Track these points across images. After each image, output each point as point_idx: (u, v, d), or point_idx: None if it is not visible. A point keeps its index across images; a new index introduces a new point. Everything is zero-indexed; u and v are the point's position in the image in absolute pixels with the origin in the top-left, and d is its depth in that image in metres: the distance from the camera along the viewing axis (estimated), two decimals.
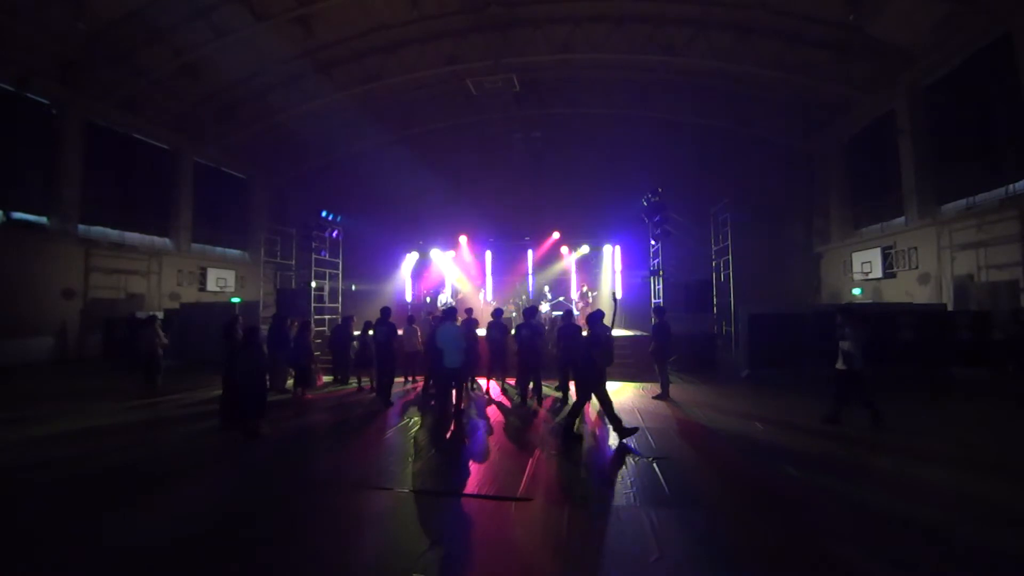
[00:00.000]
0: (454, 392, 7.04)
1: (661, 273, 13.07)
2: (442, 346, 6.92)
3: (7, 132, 13.25)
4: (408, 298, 17.36)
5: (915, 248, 14.31)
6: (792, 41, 14.66)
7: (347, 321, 10.86)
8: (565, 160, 19.39)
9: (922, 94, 14.26)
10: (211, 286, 18.56)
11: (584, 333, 9.04)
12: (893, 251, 15.09)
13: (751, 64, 15.33)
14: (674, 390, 9.11)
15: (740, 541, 3.60)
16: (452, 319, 7.33)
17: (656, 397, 8.72)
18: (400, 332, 9.34)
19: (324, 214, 14.28)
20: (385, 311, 9.01)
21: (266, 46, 14.43)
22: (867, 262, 15.98)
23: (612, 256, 17.20)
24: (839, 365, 6.78)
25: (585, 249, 17.18)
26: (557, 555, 3.42)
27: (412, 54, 16.07)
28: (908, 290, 14.40)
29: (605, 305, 15.28)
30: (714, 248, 13.77)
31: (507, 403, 8.67)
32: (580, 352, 6.35)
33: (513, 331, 9.86)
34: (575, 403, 6.30)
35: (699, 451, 5.76)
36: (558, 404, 8.43)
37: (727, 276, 12.90)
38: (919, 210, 14.15)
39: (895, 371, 10.19)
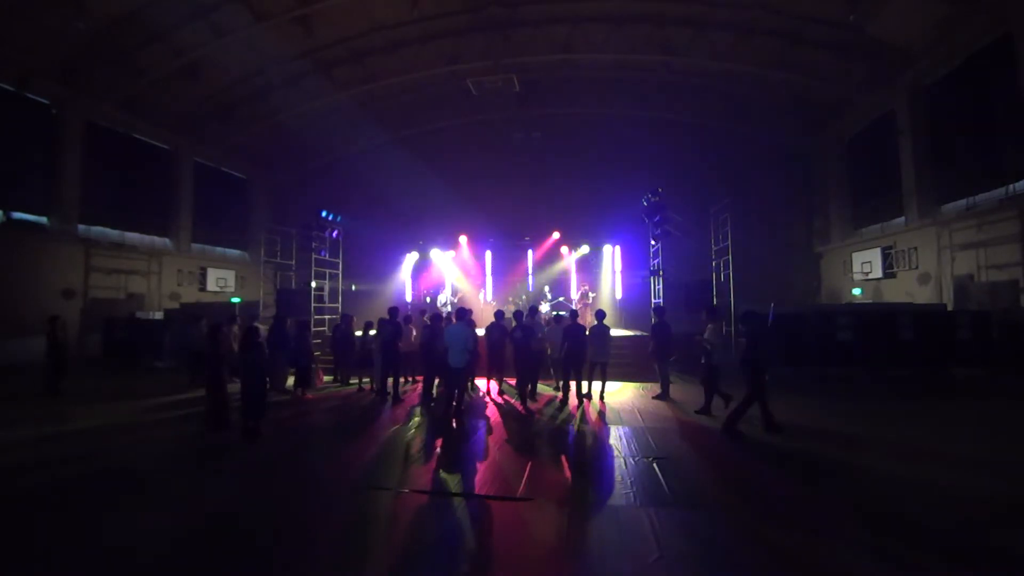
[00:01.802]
0: (456, 392, 7.07)
1: (661, 273, 13.07)
2: (448, 346, 7.00)
3: (7, 132, 13.23)
4: (408, 298, 17.36)
5: (915, 248, 14.30)
6: (792, 41, 14.64)
7: (347, 320, 10.86)
8: (565, 160, 19.37)
9: (922, 94, 14.24)
10: (211, 286, 18.55)
11: (586, 333, 9.09)
12: (893, 251, 15.08)
13: (751, 64, 15.32)
14: (674, 390, 9.11)
15: (740, 541, 3.60)
16: (460, 319, 7.42)
17: (656, 397, 8.73)
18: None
19: (324, 214, 14.27)
20: (393, 311, 9.14)
21: (266, 46, 14.41)
22: (867, 262, 15.97)
23: (612, 256, 17.21)
24: (703, 359, 7.46)
25: (585, 249, 17.18)
26: (557, 555, 3.43)
27: (412, 54, 16.05)
28: (908, 290, 14.40)
29: (606, 305, 15.30)
30: (714, 248, 13.77)
31: (506, 403, 8.66)
32: (743, 351, 6.53)
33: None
34: (744, 400, 6.32)
35: (699, 451, 5.76)
36: (558, 404, 8.44)
37: (727, 276, 12.90)
38: (919, 210, 14.14)
39: (895, 371, 10.22)
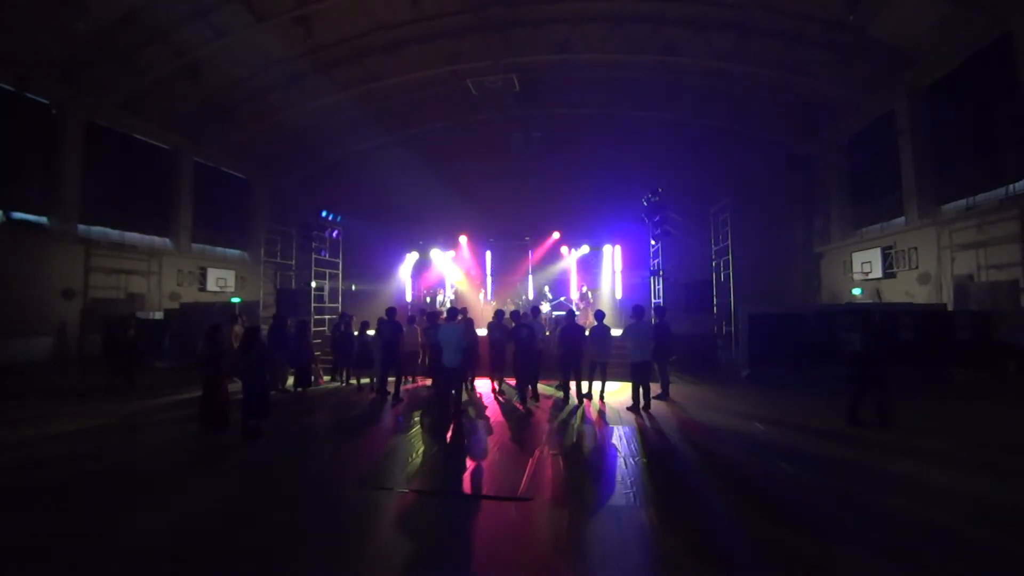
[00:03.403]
0: (452, 392, 7.07)
1: (661, 273, 13.08)
2: (442, 345, 7.01)
3: (7, 132, 13.22)
4: (408, 298, 17.37)
5: (915, 248, 14.29)
6: (792, 41, 14.63)
7: (347, 320, 10.87)
8: (565, 160, 19.37)
9: (922, 94, 14.24)
10: (211, 286, 18.54)
11: (586, 333, 9.09)
12: (893, 251, 15.08)
13: (751, 64, 15.31)
14: (674, 390, 9.11)
15: (740, 541, 3.60)
16: (453, 319, 7.41)
17: (656, 397, 8.71)
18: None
19: (324, 214, 14.28)
20: (391, 311, 9.14)
21: (266, 46, 14.40)
22: (867, 262, 15.97)
23: (612, 256, 17.22)
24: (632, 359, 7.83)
25: (585, 249, 17.18)
26: (557, 555, 3.43)
27: (412, 54, 16.04)
28: (908, 290, 14.40)
29: (606, 305, 15.31)
30: (714, 248, 13.77)
31: (507, 403, 8.67)
32: (858, 347, 6.85)
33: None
34: (857, 391, 6.69)
35: (699, 451, 5.76)
36: (558, 404, 8.44)
37: (727, 276, 12.89)
38: (919, 210, 14.14)
39: (895, 371, 10.21)
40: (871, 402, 6.69)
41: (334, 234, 14.91)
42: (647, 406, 7.75)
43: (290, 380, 9.76)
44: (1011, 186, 11.55)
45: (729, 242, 12.85)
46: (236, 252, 21.02)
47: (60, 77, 13.87)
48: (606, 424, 7.07)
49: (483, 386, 9.89)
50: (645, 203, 13.25)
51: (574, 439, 6.36)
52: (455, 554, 3.50)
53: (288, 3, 13.21)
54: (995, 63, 11.71)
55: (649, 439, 6.20)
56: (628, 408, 7.79)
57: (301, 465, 5.45)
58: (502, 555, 3.44)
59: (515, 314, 9.41)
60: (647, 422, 7.07)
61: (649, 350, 7.92)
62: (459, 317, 9.63)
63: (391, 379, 8.96)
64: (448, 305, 14.85)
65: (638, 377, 7.80)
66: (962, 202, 12.92)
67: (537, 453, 5.67)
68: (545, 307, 14.47)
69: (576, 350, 8.52)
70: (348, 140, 20.46)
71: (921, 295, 13.82)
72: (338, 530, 3.77)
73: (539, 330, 9.62)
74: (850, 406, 6.73)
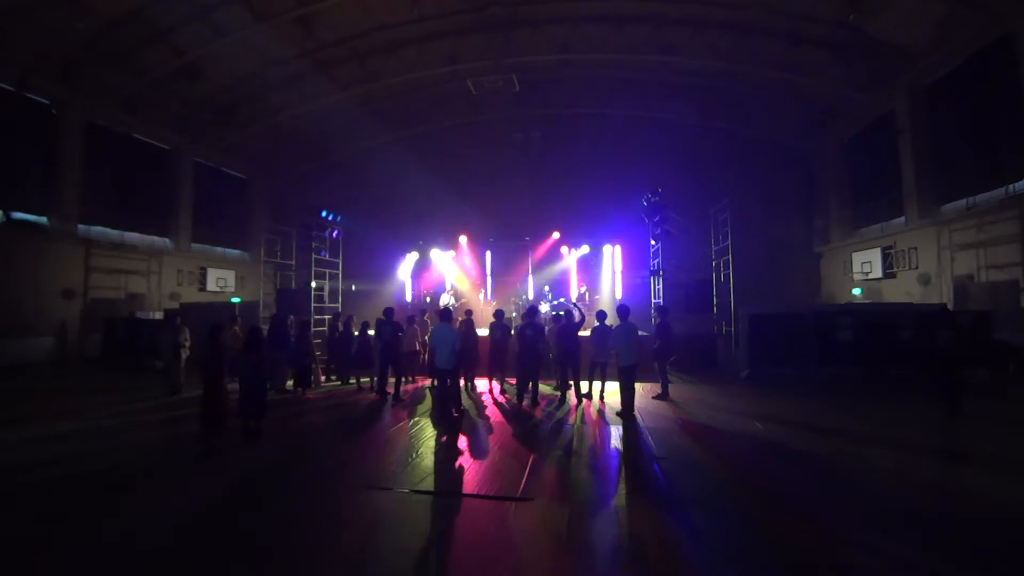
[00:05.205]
0: (447, 392, 7.09)
1: (661, 273, 13.08)
2: (434, 346, 7.05)
3: (7, 132, 13.22)
4: (408, 298, 17.36)
5: (915, 248, 14.30)
6: (792, 41, 14.64)
7: (347, 321, 10.86)
8: (565, 160, 19.37)
9: (922, 94, 14.25)
10: (211, 286, 18.54)
11: (582, 333, 9.08)
12: (893, 251, 15.08)
13: (751, 64, 15.31)
14: (674, 390, 9.11)
15: (741, 541, 3.60)
16: (447, 320, 7.43)
17: (656, 397, 8.73)
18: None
19: (324, 214, 14.26)
20: (388, 311, 9.12)
21: (266, 46, 14.39)
22: (867, 262, 15.97)
23: (612, 256, 17.22)
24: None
25: (585, 249, 17.18)
26: (557, 555, 3.43)
27: (412, 54, 16.05)
28: (908, 290, 14.40)
29: (606, 305, 15.29)
30: (714, 248, 13.76)
31: (507, 403, 8.66)
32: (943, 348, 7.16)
33: (513, 331, 9.88)
34: (951, 385, 6.93)
35: (699, 451, 5.76)
36: (558, 404, 8.44)
37: (727, 276, 12.89)
38: (919, 210, 14.14)
39: (895, 371, 10.20)
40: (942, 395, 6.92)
41: (334, 234, 14.89)
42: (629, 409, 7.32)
43: (289, 381, 9.76)
44: (1011, 186, 11.56)
45: (729, 242, 12.85)
46: (236, 252, 21.01)
47: (60, 77, 13.86)
48: (606, 424, 7.07)
49: (483, 386, 9.88)
50: (645, 203, 13.25)
51: (574, 439, 6.36)
52: (455, 554, 3.49)
53: (288, 3, 13.20)
54: (995, 63, 11.71)
55: (649, 439, 6.19)
56: (618, 413, 7.41)
57: (301, 465, 5.44)
58: (502, 555, 3.44)
59: (531, 310, 9.39)
60: (647, 422, 7.07)
61: (635, 352, 7.54)
62: (459, 319, 9.65)
63: (391, 379, 8.96)
64: (453, 305, 14.89)
65: (627, 380, 7.36)
66: (962, 202, 12.92)
67: (537, 453, 5.67)
68: (545, 307, 14.47)
69: (573, 350, 8.50)
70: (348, 140, 20.44)
71: (921, 295, 13.82)
72: (338, 530, 3.77)
73: (542, 329, 9.61)
74: (950, 401, 6.88)
